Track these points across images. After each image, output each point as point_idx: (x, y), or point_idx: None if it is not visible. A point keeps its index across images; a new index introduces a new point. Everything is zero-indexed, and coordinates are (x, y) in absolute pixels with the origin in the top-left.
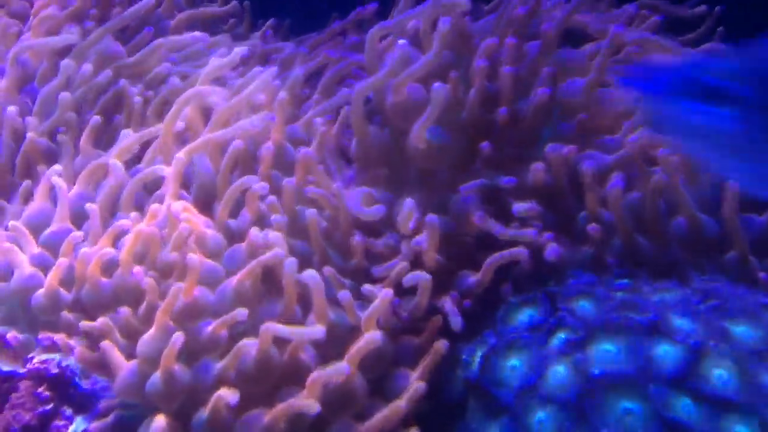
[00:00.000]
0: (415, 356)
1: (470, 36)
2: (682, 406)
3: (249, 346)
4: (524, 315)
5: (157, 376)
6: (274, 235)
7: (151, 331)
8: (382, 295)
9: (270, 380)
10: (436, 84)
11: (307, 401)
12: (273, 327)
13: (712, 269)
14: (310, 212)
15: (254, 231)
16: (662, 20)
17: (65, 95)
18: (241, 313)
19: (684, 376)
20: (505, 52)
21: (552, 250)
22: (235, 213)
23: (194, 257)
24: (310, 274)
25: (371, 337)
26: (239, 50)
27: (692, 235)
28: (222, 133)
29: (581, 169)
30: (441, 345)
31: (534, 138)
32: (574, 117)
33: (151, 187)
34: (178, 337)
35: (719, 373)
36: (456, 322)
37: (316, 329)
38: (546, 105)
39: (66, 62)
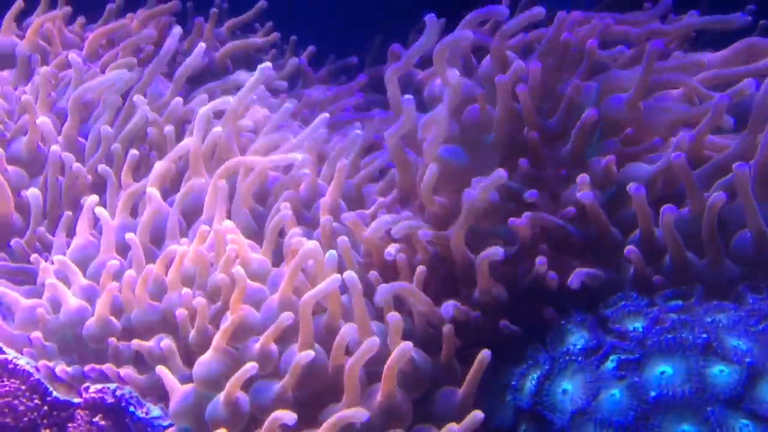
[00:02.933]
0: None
1: (508, 60)
2: (741, 427)
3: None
4: (577, 338)
5: (219, 403)
6: (312, 243)
7: (209, 353)
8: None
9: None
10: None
11: (354, 410)
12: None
13: (766, 288)
14: (342, 239)
15: (297, 238)
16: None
17: (107, 130)
18: (288, 316)
19: (741, 397)
20: (530, 76)
21: (576, 276)
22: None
23: (241, 270)
24: (348, 276)
25: (403, 348)
26: (264, 66)
27: (757, 250)
28: (256, 160)
29: (631, 193)
30: (485, 356)
31: (579, 158)
32: (617, 133)
33: (191, 217)
34: (253, 366)
35: None
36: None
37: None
38: (591, 126)
39: (112, 98)
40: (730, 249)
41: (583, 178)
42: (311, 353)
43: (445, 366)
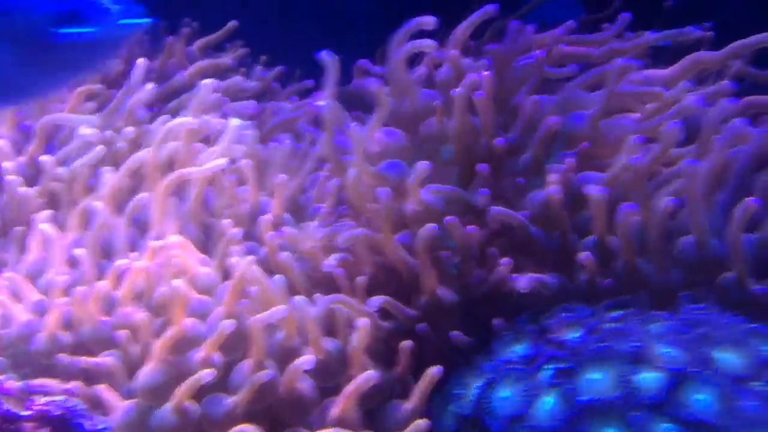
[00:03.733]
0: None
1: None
2: (662, 430)
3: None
4: (518, 348)
5: (167, 410)
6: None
7: (150, 365)
8: (362, 324)
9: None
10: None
11: None
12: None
13: (706, 296)
14: (285, 255)
15: (235, 258)
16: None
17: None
18: (229, 324)
19: (665, 401)
20: (483, 83)
21: (522, 282)
22: None
23: (180, 283)
24: (297, 301)
25: (367, 377)
26: (204, 83)
27: (699, 252)
28: (194, 171)
29: (589, 195)
30: (435, 372)
31: (538, 167)
32: (576, 147)
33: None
34: (208, 374)
35: (700, 398)
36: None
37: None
38: (551, 135)
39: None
40: (674, 256)
41: (555, 177)
42: (270, 373)
43: (398, 380)
